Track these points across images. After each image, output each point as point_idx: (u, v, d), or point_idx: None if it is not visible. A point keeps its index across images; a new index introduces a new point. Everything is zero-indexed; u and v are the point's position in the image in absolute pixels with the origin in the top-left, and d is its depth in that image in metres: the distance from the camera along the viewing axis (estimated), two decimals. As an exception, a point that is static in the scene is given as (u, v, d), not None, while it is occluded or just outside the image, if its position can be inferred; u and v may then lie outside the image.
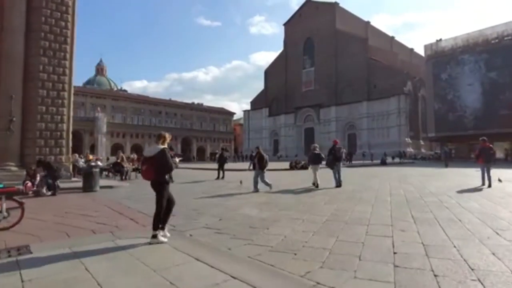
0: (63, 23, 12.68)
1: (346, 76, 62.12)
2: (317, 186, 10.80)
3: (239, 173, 18.11)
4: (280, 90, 74.10)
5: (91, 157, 17.87)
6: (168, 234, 4.54)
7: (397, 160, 40.19)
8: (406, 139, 55.15)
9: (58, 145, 12.71)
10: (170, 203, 4.58)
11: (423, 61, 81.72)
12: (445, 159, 25.64)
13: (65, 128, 12.93)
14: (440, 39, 45.26)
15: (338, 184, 10.93)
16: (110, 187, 12.58)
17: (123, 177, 15.91)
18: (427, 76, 48.70)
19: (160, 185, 4.41)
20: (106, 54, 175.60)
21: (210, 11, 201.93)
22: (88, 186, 10.77)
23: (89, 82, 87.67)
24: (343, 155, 12.99)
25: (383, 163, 32.10)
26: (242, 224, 5.57)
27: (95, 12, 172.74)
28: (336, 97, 63.56)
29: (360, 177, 16.19)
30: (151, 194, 4.66)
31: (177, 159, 5.13)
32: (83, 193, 10.67)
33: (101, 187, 11.62)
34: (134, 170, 17.33)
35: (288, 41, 74.59)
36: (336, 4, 65.03)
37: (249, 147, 73.52)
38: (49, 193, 9.85)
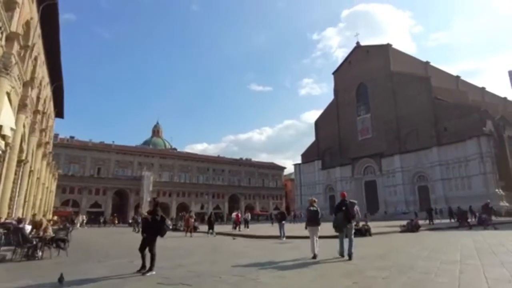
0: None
1: (408, 120, 54.70)
2: (314, 257, 8.43)
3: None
4: (333, 140, 68.15)
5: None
6: None
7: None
8: (497, 190, 44.27)
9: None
10: None
11: (500, 100, 71.53)
12: None
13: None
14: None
15: (348, 255, 8.18)
16: None
17: (30, 253, 9.64)
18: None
19: None
20: (166, 118, 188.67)
21: (261, 77, 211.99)
22: None
23: (145, 143, 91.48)
24: (358, 214, 10.21)
25: (482, 222, 23.03)
26: None
27: (159, 79, 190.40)
28: (399, 144, 55.55)
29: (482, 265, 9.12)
30: None
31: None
32: None
33: None
34: (50, 241, 10.21)
35: (338, 89, 70.34)
36: (389, 45, 60.56)
37: (301, 204, 66.30)
38: None
